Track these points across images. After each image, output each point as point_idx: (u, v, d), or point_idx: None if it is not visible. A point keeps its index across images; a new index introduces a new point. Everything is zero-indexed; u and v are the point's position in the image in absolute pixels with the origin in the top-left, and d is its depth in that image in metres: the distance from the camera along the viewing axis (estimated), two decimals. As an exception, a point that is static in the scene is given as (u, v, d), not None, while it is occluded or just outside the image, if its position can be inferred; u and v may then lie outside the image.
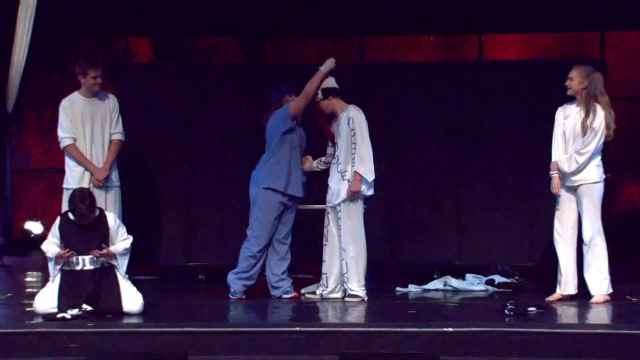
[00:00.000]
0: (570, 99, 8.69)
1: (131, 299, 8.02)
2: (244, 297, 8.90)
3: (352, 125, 8.71)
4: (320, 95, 8.81)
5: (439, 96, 10.48)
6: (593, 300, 8.53)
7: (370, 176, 8.71)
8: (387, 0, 11.87)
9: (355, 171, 8.69)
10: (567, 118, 8.66)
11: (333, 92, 8.84)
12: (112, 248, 8.03)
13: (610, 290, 8.60)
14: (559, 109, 8.76)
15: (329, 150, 9.09)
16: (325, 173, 9.01)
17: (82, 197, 7.95)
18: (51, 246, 8.02)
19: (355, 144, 8.70)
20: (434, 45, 13.41)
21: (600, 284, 8.57)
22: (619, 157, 12.76)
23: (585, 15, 12.06)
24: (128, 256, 8.12)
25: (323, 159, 9.12)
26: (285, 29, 12.67)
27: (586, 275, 8.61)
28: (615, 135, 8.66)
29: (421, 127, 10.47)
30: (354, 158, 8.69)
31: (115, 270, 8.05)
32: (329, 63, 8.71)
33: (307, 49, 13.53)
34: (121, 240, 8.09)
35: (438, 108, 10.48)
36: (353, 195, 8.70)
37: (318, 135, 9.21)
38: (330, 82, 8.84)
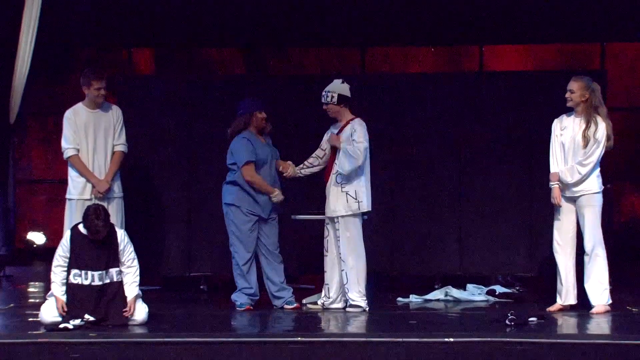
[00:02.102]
0: (567, 110, 8.72)
1: (136, 308, 8.05)
2: (252, 307, 8.93)
3: (354, 137, 8.74)
4: (335, 99, 8.82)
5: (440, 107, 10.50)
6: (594, 310, 8.54)
7: (348, 168, 8.64)
8: (388, 12, 11.90)
9: (342, 151, 8.67)
10: (565, 129, 8.67)
11: (345, 100, 8.84)
12: (131, 294, 8.05)
13: (610, 301, 8.62)
14: (556, 120, 8.78)
15: (318, 152, 9.06)
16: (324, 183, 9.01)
17: (97, 213, 7.95)
18: (58, 278, 8.00)
19: (352, 147, 8.72)
20: (434, 57, 13.44)
21: (600, 294, 8.58)
22: (620, 168, 12.78)
23: (585, 27, 12.10)
24: None
25: (307, 163, 9.08)
26: (286, 40, 12.70)
27: (587, 286, 8.62)
28: (615, 146, 8.69)
29: (422, 137, 10.50)
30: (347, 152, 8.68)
31: (122, 282, 8.11)
32: (280, 198, 8.92)
33: (308, 59, 13.56)
34: (128, 261, 8.11)
35: (439, 119, 10.50)
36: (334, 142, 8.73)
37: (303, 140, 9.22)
38: (346, 90, 8.84)
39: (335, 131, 8.90)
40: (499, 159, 10.42)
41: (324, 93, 8.85)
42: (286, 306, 8.97)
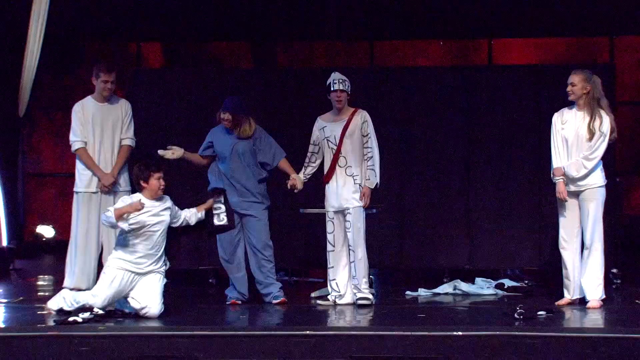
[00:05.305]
0: (569, 104, 8.68)
1: (154, 300, 8.06)
2: (238, 302, 8.91)
3: (368, 130, 8.75)
4: (348, 89, 8.79)
5: (449, 101, 10.50)
6: (589, 305, 8.48)
7: (378, 179, 8.79)
8: (397, 5, 11.89)
9: (368, 186, 8.72)
10: (566, 123, 8.62)
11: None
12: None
13: (604, 296, 8.59)
14: (556, 114, 8.73)
15: (312, 148, 9.01)
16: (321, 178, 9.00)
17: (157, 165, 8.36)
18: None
19: (370, 148, 8.74)
20: (444, 50, 13.44)
21: (596, 288, 8.54)
22: (629, 162, 12.77)
23: (594, 20, 12.08)
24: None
25: (310, 164, 9.01)
26: (295, 33, 12.70)
27: (583, 280, 8.59)
28: (624, 140, 8.66)
29: (431, 131, 10.50)
30: (370, 166, 8.72)
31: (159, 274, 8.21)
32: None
33: (317, 53, 13.57)
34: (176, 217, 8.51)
35: (448, 113, 10.50)
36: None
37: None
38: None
39: (333, 126, 8.84)
40: (508, 152, 10.41)
41: (341, 80, 8.78)
42: (273, 301, 8.88)
